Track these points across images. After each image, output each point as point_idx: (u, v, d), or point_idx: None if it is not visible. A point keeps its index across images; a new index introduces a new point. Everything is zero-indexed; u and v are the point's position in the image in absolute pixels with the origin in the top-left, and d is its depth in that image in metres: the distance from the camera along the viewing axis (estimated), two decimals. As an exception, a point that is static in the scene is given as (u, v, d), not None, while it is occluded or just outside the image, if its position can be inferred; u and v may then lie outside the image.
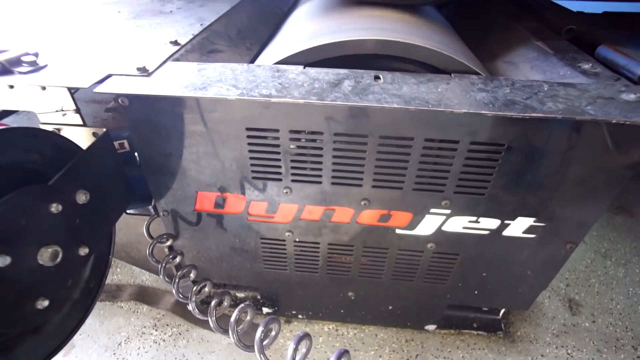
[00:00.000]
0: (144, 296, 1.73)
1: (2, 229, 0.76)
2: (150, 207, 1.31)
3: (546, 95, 0.87)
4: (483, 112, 0.80)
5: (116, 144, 1.16)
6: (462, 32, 1.51)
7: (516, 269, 1.22)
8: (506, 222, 1.08)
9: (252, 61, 1.29)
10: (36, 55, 1.00)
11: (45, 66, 0.98)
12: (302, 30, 1.15)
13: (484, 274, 1.25)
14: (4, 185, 0.79)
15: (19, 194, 0.80)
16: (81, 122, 1.09)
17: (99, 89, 0.88)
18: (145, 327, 1.62)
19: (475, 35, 1.51)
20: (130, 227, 1.42)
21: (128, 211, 1.34)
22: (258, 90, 0.85)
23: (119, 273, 1.86)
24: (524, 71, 1.15)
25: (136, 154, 1.16)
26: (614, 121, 0.79)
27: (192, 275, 1.21)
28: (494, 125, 0.85)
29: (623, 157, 0.87)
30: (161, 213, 1.23)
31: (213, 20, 1.35)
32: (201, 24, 1.31)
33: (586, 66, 1.05)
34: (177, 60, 1.04)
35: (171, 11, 1.49)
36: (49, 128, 1.10)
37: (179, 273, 1.14)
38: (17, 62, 0.95)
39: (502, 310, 1.62)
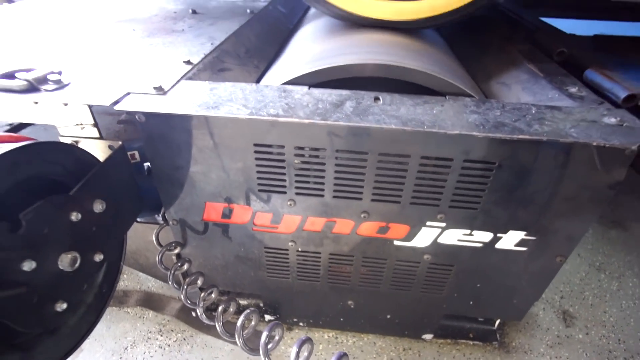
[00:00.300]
0: (150, 302, 1.78)
1: (29, 235, 0.83)
2: (158, 216, 1.37)
3: (534, 118, 0.93)
4: (474, 133, 0.87)
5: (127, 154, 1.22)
6: (461, 52, 1.59)
7: (509, 281, 1.27)
8: (498, 235, 1.14)
9: (260, 79, 1.36)
10: (60, 73, 1.07)
11: (68, 84, 1.06)
12: (307, 51, 1.22)
13: (478, 285, 1.30)
14: (31, 195, 0.86)
15: (44, 204, 0.86)
16: (98, 135, 1.16)
17: (119, 106, 0.95)
18: (150, 332, 1.67)
19: (472, 55, 1.59)
20: (139, 234, 1.48)
21: (137, 219, 1.41)
22: (266, 110, 0.92)
23: (126, 279, 1.92)
24: (516, 92, 1.22)
25: (145, 164, 1.23)
26: (594, 144, 0.86)
27: (199, 282, 1.27)
28: (485, 145, 0.91)
29: (605, 176, 0.93)
30: (170, 222, 1.29)
31: (223, 39, 1.43)
32: (212, 43, 1.38)
33: (573, 89, 1.12)
34: (190, 79, 1.12)
35: (183, 30, 1.57)
36: (68, 141, 1.18)
37: (187, 280, 1.19)
38: (43, 80, 1.02)
39: (498, 321, 1.67)
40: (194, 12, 1.83)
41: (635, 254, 2.13)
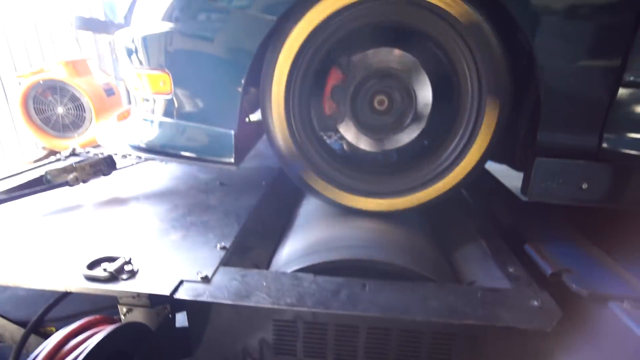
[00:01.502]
0: None
1: (105, 407, 1.10)
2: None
3: (478, 302, 1.28)
4: (434, 320, 1.21)
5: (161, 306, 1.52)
6: (436, 225, 2.02)
7: None
8: (470, 390, 1.39)
9: (275, 251, 1.75)
10: (130, 261, 1.45)
11: (137, 271, 1.42)
12: (311, 236, 1.65)
13: None
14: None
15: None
16: (149, 304, 1.49)
17: (178, 295, 1.31)
18: None
19: (444, 229, 2.01)
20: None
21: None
22: (284, 299, 1.28)
23: None
24: (472, 266, 1.60)
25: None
26: (521, 327, 1.19)
27: None
28: (445, 323, 1.25)
29: (538, 343, 1.25)
30: (198, 376, 1.54)
31: (246, 218, 1.86)
32: (238, 223, 1.81)
33: (511, 269, 1.50)
34: (226, 264, 1.50)
35: (215, 206, 2.02)
36: (125, 308, 1.50)
37: None
38: (121, 270, 1.39)
39: None
40: (221, 183, 2.32)
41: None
